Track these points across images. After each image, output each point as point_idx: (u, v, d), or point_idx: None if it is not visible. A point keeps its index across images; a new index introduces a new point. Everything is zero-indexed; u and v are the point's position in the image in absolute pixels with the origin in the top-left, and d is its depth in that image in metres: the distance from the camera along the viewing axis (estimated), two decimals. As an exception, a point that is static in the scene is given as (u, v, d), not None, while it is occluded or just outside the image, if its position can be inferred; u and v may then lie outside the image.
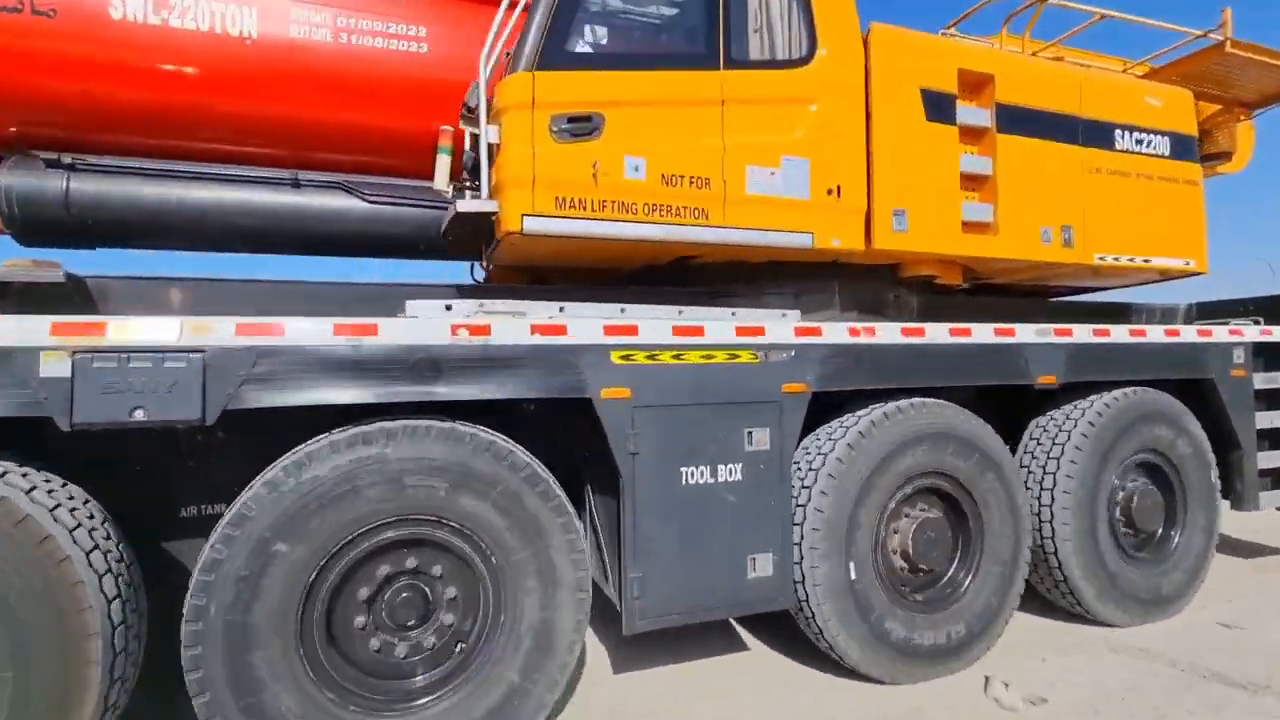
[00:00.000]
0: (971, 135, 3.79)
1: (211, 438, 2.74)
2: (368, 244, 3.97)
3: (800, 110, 3.33)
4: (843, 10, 3.44)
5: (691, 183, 3.11)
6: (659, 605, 2.96)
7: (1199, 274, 4.50)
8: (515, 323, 2.81)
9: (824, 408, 3.39)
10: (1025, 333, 3.77)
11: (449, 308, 2.82)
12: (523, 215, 2.87)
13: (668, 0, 3.28)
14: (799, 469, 3.35)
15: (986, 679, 3.30)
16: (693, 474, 3.04)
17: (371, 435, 2.56)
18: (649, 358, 2.98)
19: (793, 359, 3.23)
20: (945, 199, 3.64)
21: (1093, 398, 4.01)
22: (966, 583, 3.56)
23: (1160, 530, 4.26)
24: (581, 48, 3.07)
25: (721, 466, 3.09)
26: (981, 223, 3.77)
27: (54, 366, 2.19)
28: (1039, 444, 4.04)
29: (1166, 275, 4.53)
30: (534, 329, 2.81)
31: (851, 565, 3.25)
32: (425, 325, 2.67)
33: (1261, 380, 4.51)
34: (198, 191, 3.56)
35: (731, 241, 3.23)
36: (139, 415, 2.26)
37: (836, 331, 3.34)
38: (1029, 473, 3.99)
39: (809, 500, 3.23)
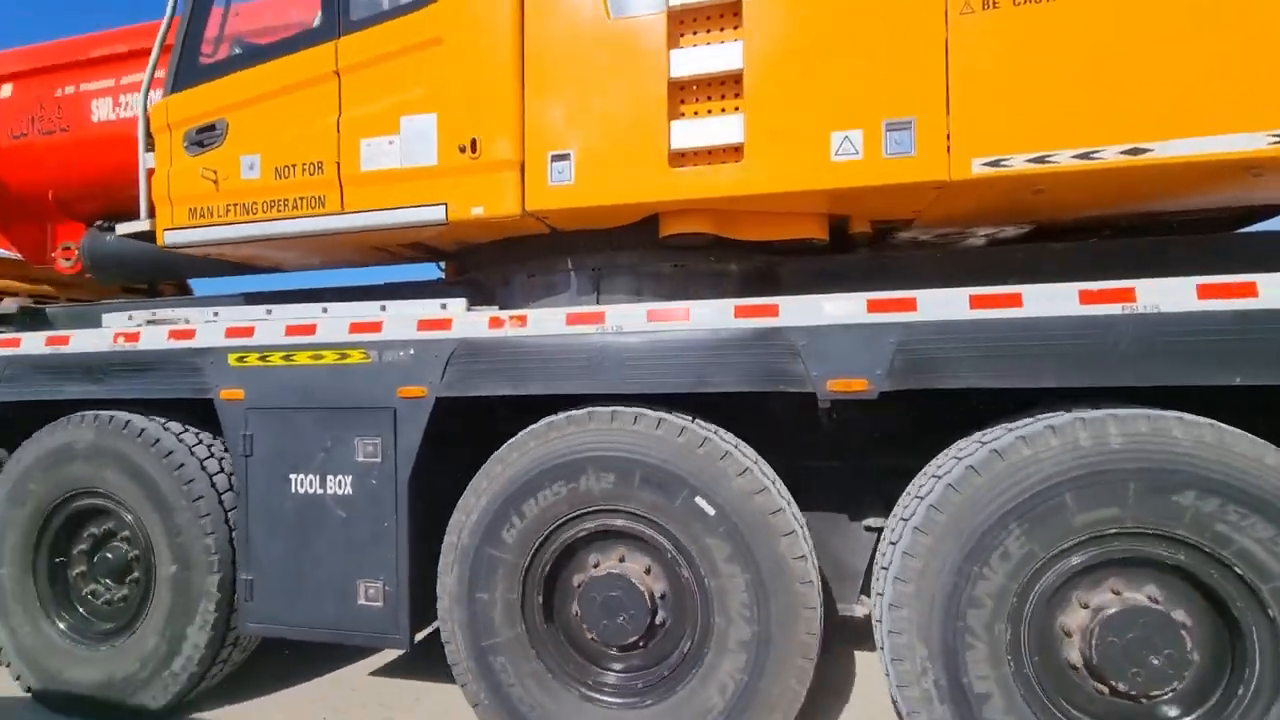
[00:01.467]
0: (701, 14, 2.50)
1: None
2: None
3: (425, 58, 2.72)
4: None
5: (304, 170, 2.87)
6: (268, 613, 2.89)
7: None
8: (158, 330, 3.09)
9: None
10: (795, 310, 2.36)
11: (130, 318, 3.25)
12: (164, 230, 3.11)
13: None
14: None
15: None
16: (302, 482, 2.85)
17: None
18: (261, 359, 2.91)
19: (412, 358, 2.72)
20: (638, 125, 2.50)
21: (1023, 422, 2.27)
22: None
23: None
24: (209, 60, 3.11)
25: (331, 478, 2.82)
26: (716, 147, 2.47)
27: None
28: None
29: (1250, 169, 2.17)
30: (170, 334, 3.04)
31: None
32: (94, 335, 3.16)
33: None
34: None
35: (353, 228, 2.85)
36: None
37: (467, 323, 2.68)
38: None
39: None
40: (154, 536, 3.03)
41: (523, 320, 2.62)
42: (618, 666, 2.62)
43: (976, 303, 2.23)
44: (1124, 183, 2.32)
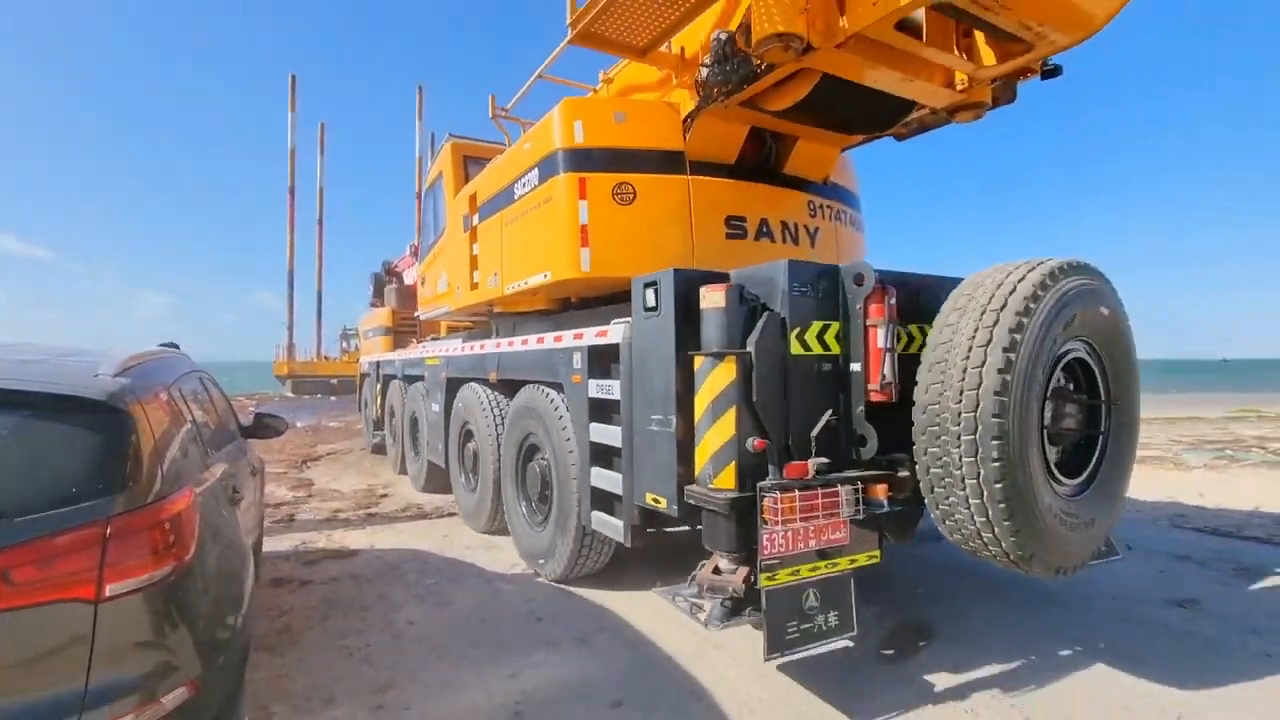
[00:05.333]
0: (476, 231, 6.30)
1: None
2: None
3: (443, 253, 7.33)
4: (455, 198, 7.05)
5: (437, 288, 7.87)
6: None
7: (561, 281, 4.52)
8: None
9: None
10: (490, 345, 6.04)
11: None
12: (418, 313, 8.62)
13: (432, 211, 7.97)
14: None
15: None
16: (428, 405, 7.91)
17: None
18: (429, 360, 8.10)
19: (443, 364, 7.40)
20: (465, 274, 6.50)
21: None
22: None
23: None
24: (425, 248, 8.33)
25: (437, 404, 7.78)
26: (475, 283, 6.27)
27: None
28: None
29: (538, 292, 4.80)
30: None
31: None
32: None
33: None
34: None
35: (438, 312, 7.69)
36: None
37: (445, 350, 7.19)
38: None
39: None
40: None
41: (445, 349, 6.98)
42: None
43: (523, 342, 5.48)
44: (534, 297, 5.16)
